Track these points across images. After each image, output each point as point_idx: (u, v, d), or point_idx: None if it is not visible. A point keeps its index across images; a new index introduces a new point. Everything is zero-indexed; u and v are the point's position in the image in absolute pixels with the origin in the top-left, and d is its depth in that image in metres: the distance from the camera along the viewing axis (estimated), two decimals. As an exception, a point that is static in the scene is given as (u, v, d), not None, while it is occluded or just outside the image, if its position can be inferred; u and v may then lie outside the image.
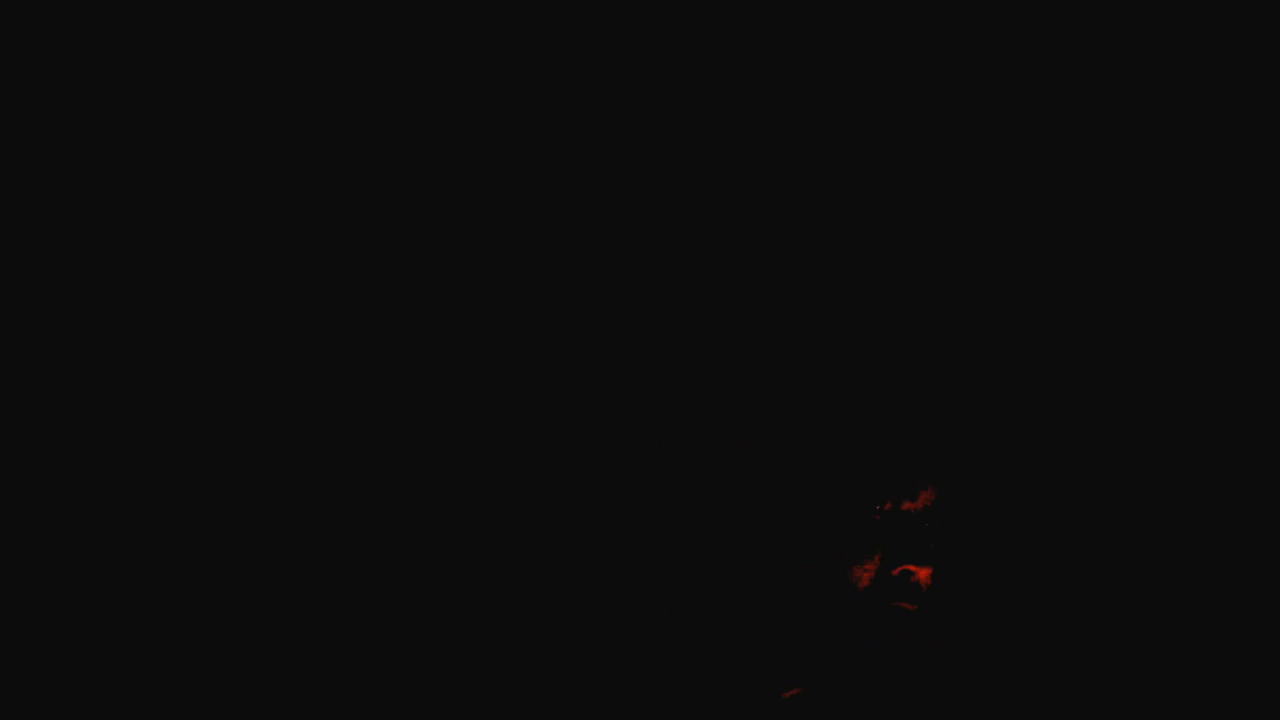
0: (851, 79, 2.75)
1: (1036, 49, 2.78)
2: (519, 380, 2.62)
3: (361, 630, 2.48)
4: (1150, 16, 2.78)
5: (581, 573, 2.50)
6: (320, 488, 2.58)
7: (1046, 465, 2.56)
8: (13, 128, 2.74)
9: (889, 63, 2.75)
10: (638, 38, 2.71)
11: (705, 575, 2.35)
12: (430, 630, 2.46)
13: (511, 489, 2.55)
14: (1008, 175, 2.80)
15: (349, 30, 2.75)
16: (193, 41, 2.78)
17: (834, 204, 2.75)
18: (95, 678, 2.58)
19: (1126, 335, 2.77)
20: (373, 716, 2.43)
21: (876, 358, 2.46)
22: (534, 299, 2.68)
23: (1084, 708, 2.42)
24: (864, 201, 2.76)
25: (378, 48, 2.76)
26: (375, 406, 2.62)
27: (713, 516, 2.37)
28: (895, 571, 2.20)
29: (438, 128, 2.76)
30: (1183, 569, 2.61)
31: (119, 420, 2.69)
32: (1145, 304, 2.78)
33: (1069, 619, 2.47)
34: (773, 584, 2.27)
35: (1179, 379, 2.77)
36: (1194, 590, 2.60)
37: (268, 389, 2.64)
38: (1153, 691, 2.50)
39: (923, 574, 2.20)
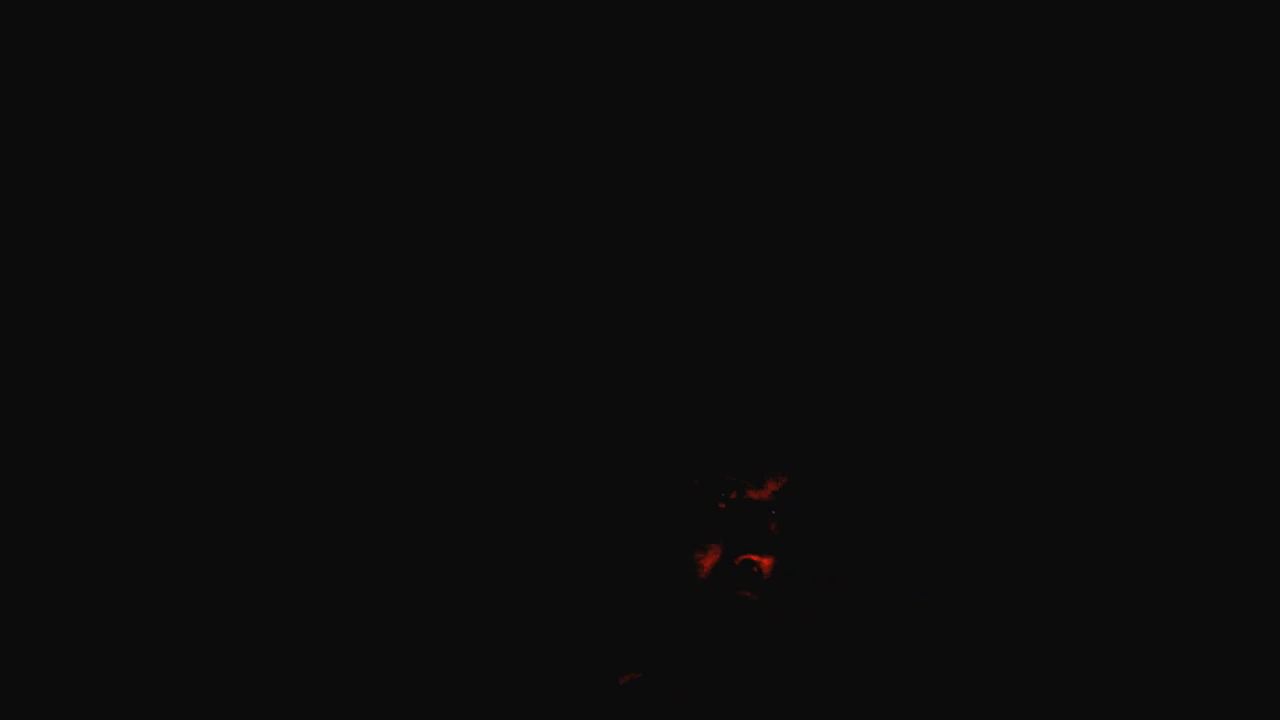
0: (851, 79, 2.76)
1: (1036, 49, 2.76)
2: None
3: (359, 630, 2.49)
4: (1150, 16, 2.76)
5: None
6: (317, 487, 2.58)
7: (905, 456, 2.60)
8: (12, 128, 2.75)
9: (889, 63, 2.76)
10: (637, 38, 2.73)
11: (550, 560, 2.35)
12: (405, 632, 2.47)
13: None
14: (975, 166, 2.81)
15: (349, 30, 2.77)
16: (193, 41, 2.80)
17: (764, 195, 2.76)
18: (95, 678, 2.59)
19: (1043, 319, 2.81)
20: (371, 716, 2.43)
21: (732, 349, 2.48)
22: (509, 297, 2.71)
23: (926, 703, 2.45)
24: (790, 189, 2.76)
25: (377, 48, 2.77)
26: (371, 406, 2.62)
27: (561, 504, 2.38)
28: (738, 560, 2.22)
29: (435, 128, 2.77)
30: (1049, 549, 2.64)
31: (117, 420, 2.68)
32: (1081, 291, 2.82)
33: (917, 614, 2.50)
34: (615, 571, 2.28)
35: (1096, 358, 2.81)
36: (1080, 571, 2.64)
37: (266, 389, 2.65)
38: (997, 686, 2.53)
39: (765, 563, 2.22)
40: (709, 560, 2.22)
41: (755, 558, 2.20)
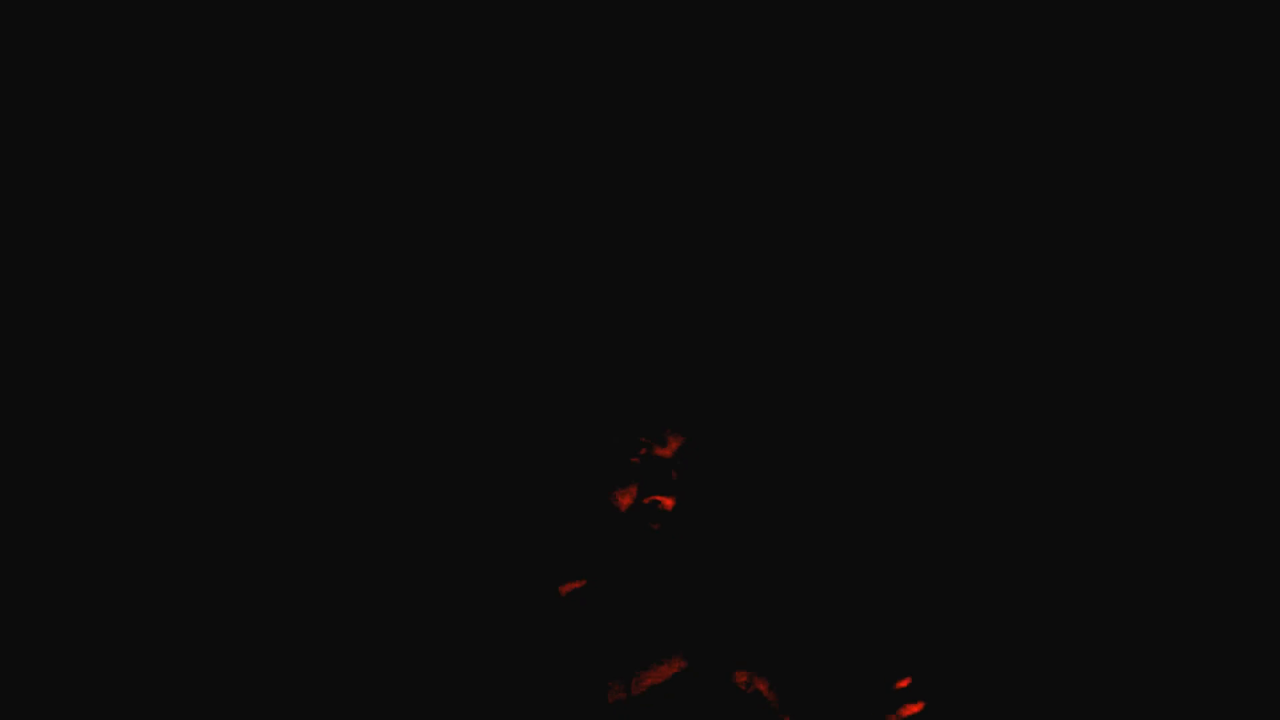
0: (851, 79, 2.80)
1: (1036, 49, 2.72)
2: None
3: (355, 629, 2.80)
4: (1150, 16, 2.67)
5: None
6: (313, 486, 2.92)
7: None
8: (12, 128, 2.68)
9: (889, 63, 2.77)
10: (637, 38, 2.82)
11: (501, 504, 3.06)
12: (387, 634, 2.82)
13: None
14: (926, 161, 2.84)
15: (349, 30, 2.80)
16: (192, 42, 2.78)
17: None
18: (95, 678, 2.67)
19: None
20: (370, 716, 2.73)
21: (648, 338, 3.18)
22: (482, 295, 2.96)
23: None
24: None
25: (377, 48, 2.82)
26: (365, 405, 2.95)
27: (510, 459, 3.07)
28: (647, 500, 3.00)
29: (434, 128, 2.91)
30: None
31: (115, 419, 2.80)
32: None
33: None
34: (556, 509, 3.02)
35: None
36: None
37: (263, 388, 2.91)
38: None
39: (668, 503, 3.00)
40: (626, 500, 2.97)
41: (660, 499, 2.99)
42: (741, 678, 2.93)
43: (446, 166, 3.14)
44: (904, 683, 2.74)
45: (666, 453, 2.99)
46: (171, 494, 2.89)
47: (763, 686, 2.92)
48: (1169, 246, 2.90)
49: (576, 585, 2.96)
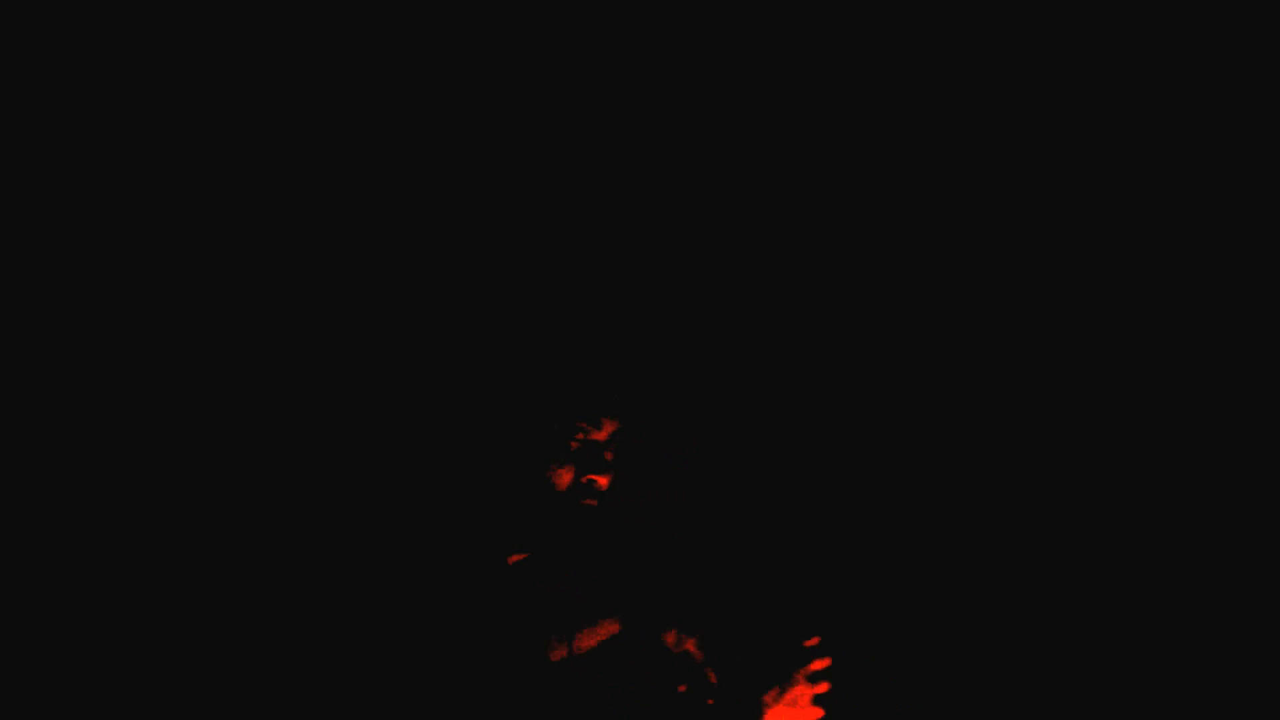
0: (851, 79, 2.83)
1: (1037, 49, 2.72)
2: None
3: (352, 629, 2.94)
4: (1150, 16, 2.63)
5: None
6: (309, 485, 3.10)
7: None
8: (12, 128, 2.72)
9: (889, 63, 2.79)
10: (637, 38, 2.89)
11: (453, 481, 3.38)
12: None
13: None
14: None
15: (349, 30, 2.86)
16: (193, 41, 2.82)
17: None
18: (95, 678, 2.74)
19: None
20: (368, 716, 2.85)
21: (588, 333, 3.50)
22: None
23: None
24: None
25: (377, 48, 2.88)
26: (358, 404, 3.13)
27: (463, 443, 3.39)
28: (584, 479, 3.33)
29: (431, 127, 3.01)
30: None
31: (113, 419, 2.90)
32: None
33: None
34: (503, 488, 3.34)
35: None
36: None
37: (260, 388, 3.06)
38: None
39: (603, 481, 3.33)
40: (565, 479, 3.30)
41: (596, 477, 3.31)
42: (671, 637, 3.29)
43: (386, 160, 3.30)
44: (812, 641, 3.08)
45: (601, 436, 3.31)
46: (168, 491, 3.06)
47: (690, 645, 3.28)
48: (1169, 246, 2.93)
49: (522, 556, 3.29)
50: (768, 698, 3.00)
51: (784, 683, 3.03)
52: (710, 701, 3.14)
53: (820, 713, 3.06)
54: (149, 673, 2.91)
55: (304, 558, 3.27)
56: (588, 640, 3.25)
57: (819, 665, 3.06)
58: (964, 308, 3.04)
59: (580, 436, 3.30)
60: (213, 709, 2.97)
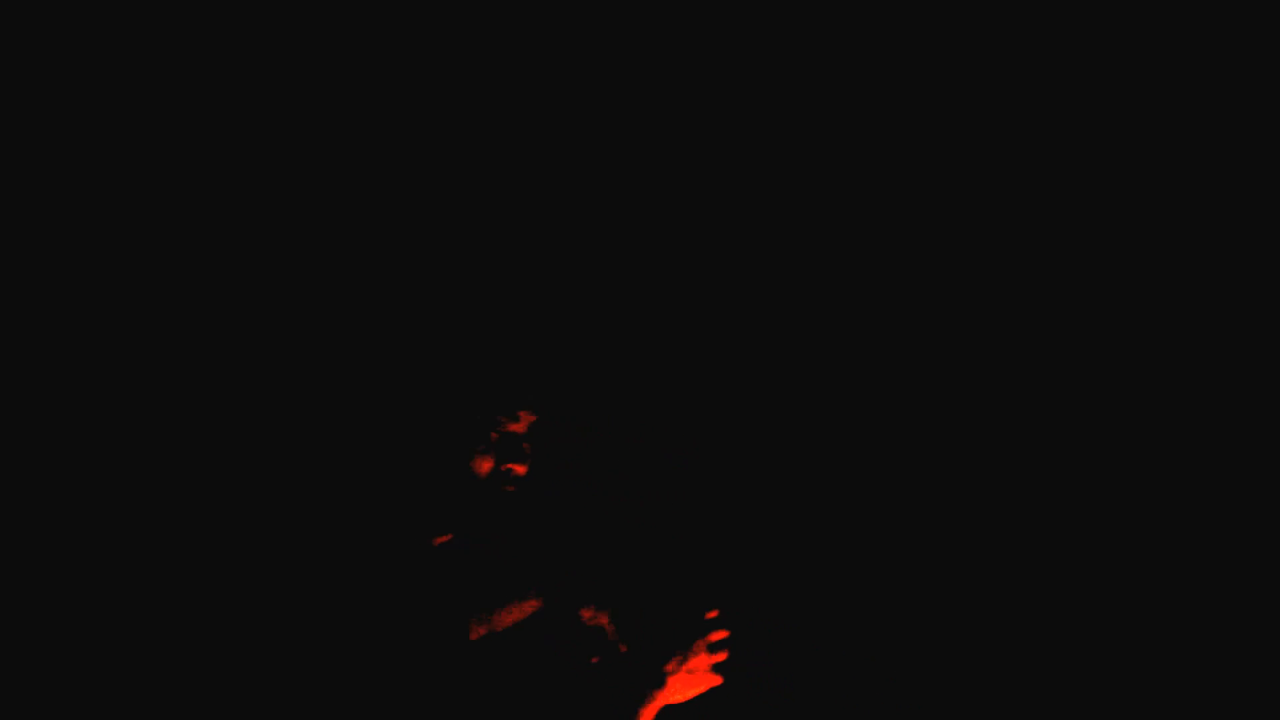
0: (851, 79, 2.83)
1: (1037, 49, 2.69)
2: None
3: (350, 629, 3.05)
4: (1150, 17, 2.59)
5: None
6: (306, 485, 3.30)
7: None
8: (12, 128, 2.74)
9: (889, 63, 2.78)
10: (637, 38, 2.90)
11: (383, 474, 3.64)
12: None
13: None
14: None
15: (349, 30, 2.91)
16: (193, 42, 2.86)
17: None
18: (95, 678, 2.82)
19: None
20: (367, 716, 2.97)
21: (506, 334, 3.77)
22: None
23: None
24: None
25: (377, 47, 2.93)
26: (355, 404, 3.31)
27: (389, 437, 3.65)
28: (503, 467, 3.60)
29: (430, 127, 3.11)
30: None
31: (111, 418, 3.00)
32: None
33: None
34: (428, 476, 3.60)
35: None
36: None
37: (258, 387, 3.21)
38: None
39: (520, 469, 3.60)
40: (486, 467, 3.57)
41: (514, 466, 3.58)
42: (587, 614, 3.58)
43: (322, 162, 3.41)
44: (712, 614, 3.36)
45: (520, 428, 3.58)
46: (167, 490, 3.23)
47: (604, 620, 3.56)
48: (1169, 246, 2.89)
49: (445, 539, 3.56)
50: (668, 666, 3.27)
51: (685, 652, 3.31)
52: (618, 671, 3.42)
53: (719, 679, 3.34)
54: (110, 670, 3.06)
55: (237, 543, 3.52)
56: (509, 618, 3.53)
57: (717, 636, 3.34)
58: (963, 307, 3.08)
59: (501, 428, 3.57)
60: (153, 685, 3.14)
